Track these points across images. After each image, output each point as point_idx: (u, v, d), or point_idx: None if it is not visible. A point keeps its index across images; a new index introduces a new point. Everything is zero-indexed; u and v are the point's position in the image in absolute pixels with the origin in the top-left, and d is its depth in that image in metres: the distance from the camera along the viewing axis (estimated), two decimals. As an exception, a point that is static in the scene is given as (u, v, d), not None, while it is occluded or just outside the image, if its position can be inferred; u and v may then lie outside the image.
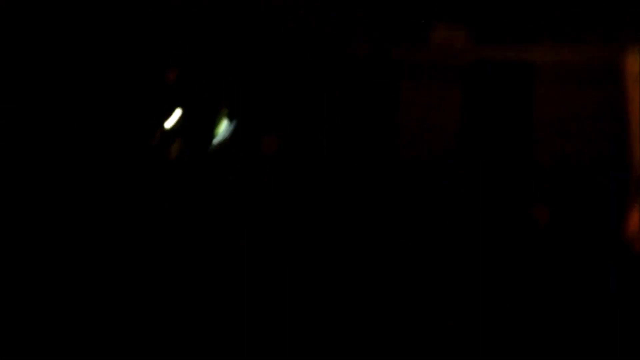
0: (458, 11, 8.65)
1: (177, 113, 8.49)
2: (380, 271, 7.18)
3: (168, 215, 8.41)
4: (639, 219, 4.42)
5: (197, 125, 8.55)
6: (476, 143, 7.88)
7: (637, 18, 8.15)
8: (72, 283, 7.77)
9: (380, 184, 7.68)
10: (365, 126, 8.07)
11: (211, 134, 8.72)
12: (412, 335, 6.06)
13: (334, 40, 9.40)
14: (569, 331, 6.17)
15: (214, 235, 8.02)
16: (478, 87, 8.08)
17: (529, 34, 8.22)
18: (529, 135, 7.97)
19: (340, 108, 8.44)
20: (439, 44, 8.20)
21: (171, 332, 7.20)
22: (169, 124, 8.15)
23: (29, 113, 9.98)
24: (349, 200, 8.01)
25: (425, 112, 8.50)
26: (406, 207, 7.44)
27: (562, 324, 6.06)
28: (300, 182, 7.83)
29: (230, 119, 8.73)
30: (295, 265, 7.49)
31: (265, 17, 9.39)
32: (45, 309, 7.87)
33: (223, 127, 8.64)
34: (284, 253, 7.53)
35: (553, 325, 6.07)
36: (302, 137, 8.77)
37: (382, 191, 7.62)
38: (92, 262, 8.03)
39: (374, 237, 7.26)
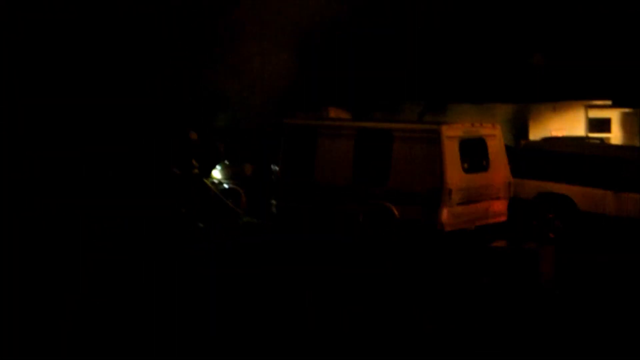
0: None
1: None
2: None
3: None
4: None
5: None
6: (360, 171, 16.09)
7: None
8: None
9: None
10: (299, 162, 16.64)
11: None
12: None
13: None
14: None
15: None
16: (362, 142, 16.53)
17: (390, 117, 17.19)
18: (387, 170, 16.05)
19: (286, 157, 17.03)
20: (333, 117, 17.51)
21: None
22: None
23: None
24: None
25: (331, 155, 16.64)
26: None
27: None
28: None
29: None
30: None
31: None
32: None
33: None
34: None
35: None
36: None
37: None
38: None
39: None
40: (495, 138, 17.60)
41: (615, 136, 26.97)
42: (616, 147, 23.40)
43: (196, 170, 20.33)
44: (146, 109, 21.93)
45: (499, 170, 17.45)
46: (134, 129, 21.86)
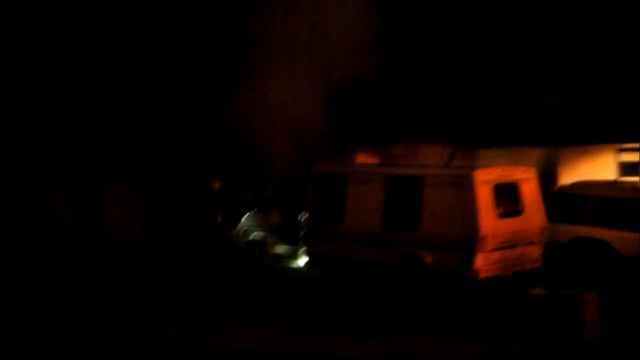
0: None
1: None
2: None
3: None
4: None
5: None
6: (391, 217, 15.68)
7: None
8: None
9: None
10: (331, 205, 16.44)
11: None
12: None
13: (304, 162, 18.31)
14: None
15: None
16: (392, 187, 16.16)
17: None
18: (419, 215, 15.63)
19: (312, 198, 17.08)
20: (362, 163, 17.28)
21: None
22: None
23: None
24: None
25: (361, 201, 16.31)
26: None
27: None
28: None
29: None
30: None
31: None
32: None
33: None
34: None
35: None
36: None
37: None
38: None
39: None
40: (530, 182, 17.21)
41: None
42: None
43: (219, 220, 20.18)
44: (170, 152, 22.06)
45: (534, 214, 17.05)
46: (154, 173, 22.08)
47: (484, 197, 16.07)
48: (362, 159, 23.34)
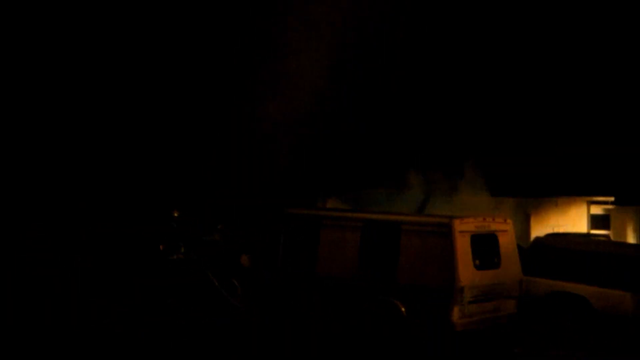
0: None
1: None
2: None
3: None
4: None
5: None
6: (366, 266, 14.99)
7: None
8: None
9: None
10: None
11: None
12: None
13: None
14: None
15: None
16: (368, 234, 15.46)
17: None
18: (395, 264, 15.03)
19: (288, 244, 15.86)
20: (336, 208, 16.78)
21: None
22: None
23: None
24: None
25: (335, 247, 15.76)
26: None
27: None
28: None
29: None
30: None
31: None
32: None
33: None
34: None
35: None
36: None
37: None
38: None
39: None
40: (507, 234, 16.87)
41: (613, 233, 26.48)
42: (631, 245, 22.69)
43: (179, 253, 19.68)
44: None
45: (510, 267, 16.61)
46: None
47: (462, 247, 15.61)
48: (332, 204, 22.98)
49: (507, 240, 16.82)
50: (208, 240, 20.20)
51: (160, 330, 15.54)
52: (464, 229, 15.95)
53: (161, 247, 20.23)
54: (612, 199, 26.33)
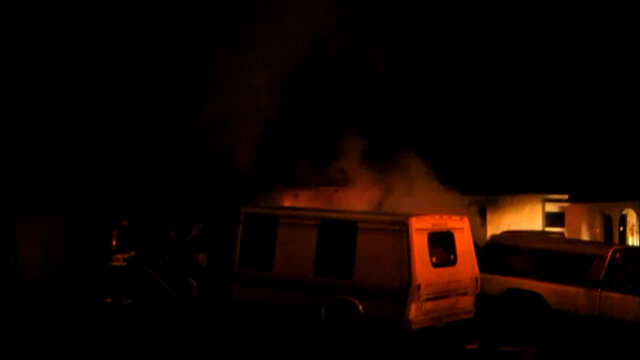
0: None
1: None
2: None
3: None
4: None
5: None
6: (323, 263, 14.86)
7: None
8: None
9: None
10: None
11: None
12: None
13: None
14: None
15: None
16: (325, 233, 15.37)
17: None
18: (352, 262, 14.95)
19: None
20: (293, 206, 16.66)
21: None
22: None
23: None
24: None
25: (293, 246, 15.70)
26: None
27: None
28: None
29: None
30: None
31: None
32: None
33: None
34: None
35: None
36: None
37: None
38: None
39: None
40: (463, 231, 16.95)
41: (568, 230, 26.80)
42: (585, 242, 22.98)
43: (124, 256, 19.44)
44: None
45: (467, 264, 16.67)
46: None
47: (419, 245, 15.68)
48: (290, 202, 22.91)
49: (463, 238, 16.90)
50: (162, 242, 20.01)
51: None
52: (421, 226, 15.99)
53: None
54: (566, 196, 26.64)
